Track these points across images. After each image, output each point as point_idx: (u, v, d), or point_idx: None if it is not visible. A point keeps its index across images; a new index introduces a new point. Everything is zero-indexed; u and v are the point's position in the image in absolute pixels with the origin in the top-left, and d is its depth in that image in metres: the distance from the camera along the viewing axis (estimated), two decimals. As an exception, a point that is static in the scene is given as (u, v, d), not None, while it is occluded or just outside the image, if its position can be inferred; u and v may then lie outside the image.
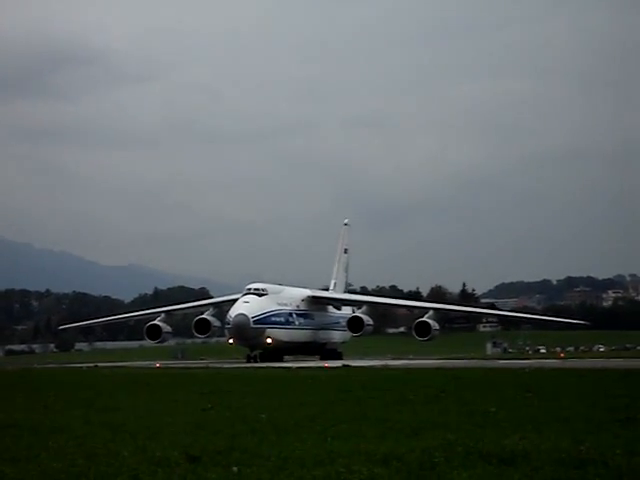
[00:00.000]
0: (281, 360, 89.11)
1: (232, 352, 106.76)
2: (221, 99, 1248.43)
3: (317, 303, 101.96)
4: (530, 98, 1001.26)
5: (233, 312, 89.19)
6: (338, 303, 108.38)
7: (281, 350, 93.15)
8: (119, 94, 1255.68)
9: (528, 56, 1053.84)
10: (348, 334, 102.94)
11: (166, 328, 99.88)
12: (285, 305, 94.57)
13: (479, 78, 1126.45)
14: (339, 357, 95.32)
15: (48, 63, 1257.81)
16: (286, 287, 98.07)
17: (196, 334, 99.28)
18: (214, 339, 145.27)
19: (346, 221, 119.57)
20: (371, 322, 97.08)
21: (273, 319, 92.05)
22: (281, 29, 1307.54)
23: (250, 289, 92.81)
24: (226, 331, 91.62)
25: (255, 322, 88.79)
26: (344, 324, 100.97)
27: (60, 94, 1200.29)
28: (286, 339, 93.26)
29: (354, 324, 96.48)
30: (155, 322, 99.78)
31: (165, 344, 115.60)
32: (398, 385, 31.73)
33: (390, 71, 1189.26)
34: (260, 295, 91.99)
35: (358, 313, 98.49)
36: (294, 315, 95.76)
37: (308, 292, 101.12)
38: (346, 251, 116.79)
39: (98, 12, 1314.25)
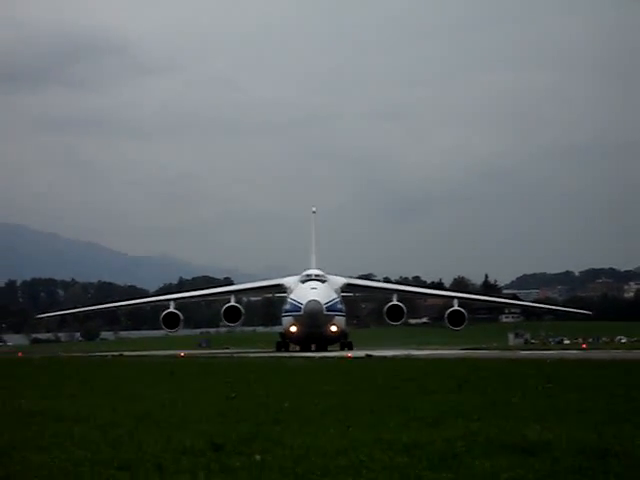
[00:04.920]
0: (288, 350, 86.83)
1: (256, 341, 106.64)
2: (243, 90, 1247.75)
3: (352, 291, 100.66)
4: (553, 90, 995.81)
5: (302, 298, 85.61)
6: (373, 292, 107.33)
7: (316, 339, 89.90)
8: (142, 85, 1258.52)
9: (551, 48, 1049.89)
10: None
11: (181, 316, 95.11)
12: (336, 293, 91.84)
13: (501, 69, 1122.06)
14: (350, 347, 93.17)
15: (72, 53, 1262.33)
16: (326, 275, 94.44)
17: (226, 322, 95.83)
18: (239, 328, 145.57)
19: (314, 209, 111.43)
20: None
21: (338, 307, 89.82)
22: (303, 20, 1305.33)
23: (310, 275, 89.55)
24: (288, 318, 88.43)
25: (327, 309, 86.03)
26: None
27: (84, 84, 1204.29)
28: (343, 327, 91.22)
29: (393, 313, 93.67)
30: (172, 310, 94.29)
31: (187, 333, 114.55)
32: (420, 375, 31.75)
33: (412, 62, 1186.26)
34: (322, 282, 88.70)
35: (396, 301, 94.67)
36: (342, 303, 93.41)
37: (344, 280, 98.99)
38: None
39: (122, 3, 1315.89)
